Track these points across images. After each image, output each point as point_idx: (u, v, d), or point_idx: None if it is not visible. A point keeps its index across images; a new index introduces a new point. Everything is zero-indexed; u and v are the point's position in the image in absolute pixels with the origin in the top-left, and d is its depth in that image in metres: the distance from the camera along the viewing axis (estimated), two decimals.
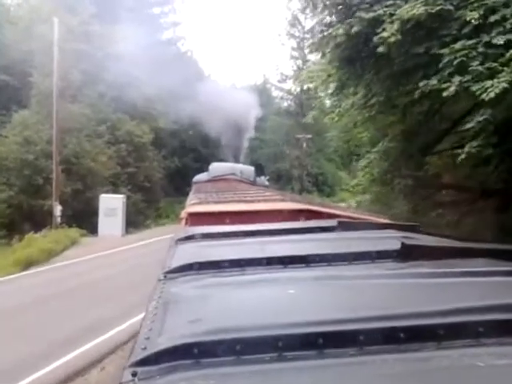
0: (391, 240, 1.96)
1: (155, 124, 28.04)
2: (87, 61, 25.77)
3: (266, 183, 18.47)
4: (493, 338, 1.05)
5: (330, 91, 16.72)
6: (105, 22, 27.21)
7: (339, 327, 1.07)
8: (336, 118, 15.45)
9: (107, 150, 23.56)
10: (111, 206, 18.74)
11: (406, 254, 1.73)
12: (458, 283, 1.41)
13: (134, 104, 27.51)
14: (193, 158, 34.28)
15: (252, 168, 16.96)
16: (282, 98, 52.48)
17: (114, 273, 12.39)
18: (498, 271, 1.53)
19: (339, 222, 2.62)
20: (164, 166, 29.51)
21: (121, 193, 23.48)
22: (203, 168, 33.45)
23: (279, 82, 51.69)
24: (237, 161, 39.38)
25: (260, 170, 27.32)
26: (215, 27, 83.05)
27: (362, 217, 4.84)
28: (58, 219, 18.35)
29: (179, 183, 34.27)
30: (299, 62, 52.20)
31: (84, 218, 19.77)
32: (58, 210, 18.23)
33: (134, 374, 0.93)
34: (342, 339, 1.03)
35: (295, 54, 51.96)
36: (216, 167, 15.51)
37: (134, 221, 25.38)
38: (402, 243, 1.76)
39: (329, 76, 13.92)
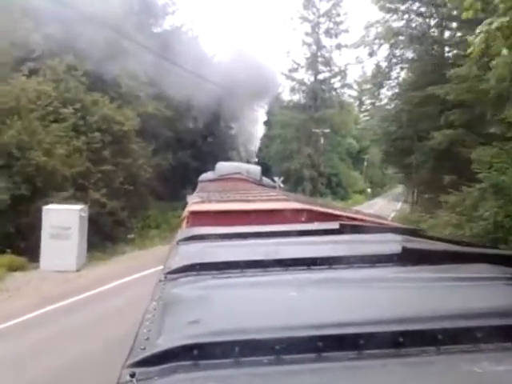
0: (392, 243, 1.93)
1: (143, 109, 21.36)
2: (54, 23, 19.29)
3: (272, 183, 16.85)
4: (491, 343, 1.02)
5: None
6: None
7: (339, 330, 1.04)
8: None
9: (74, 141, 16.90)
10: (61, 223, 11.92)
11: (407, 257, 1.69)
12: (458, 288, 1.39)
13: (115, 83, 20.90)
14: (191, 155, 27.61)
15: (258, 167, 15.81)
16: (292, 88, 45.75)
17: None
18: (498, 277, 1.49)
19: (341, 225, 2.54)
20: (154, 164, 22.80)
21: (91, 199, 16.85)
22: (203, 167, 27.11)
23: (290, 71, 44.99)
24: (248, 156, 33.16)
25: (266, 171, 22.05)
26: (221, 7, 74.69)
27: (364, 218, 4.66)
28: None
29: (174, 185, 27.65)
30: (313, 48, 45.72)
31: (29, 238, 13.17)
32: None
33: (133, 375, 0.90)
34: (342, 343, 1.00)
35: (308, 39, 45.47)
36: (222, 166, 14.30)
37: (109, 236, 18.77)
38: (403, 247, 1.73)
39: None
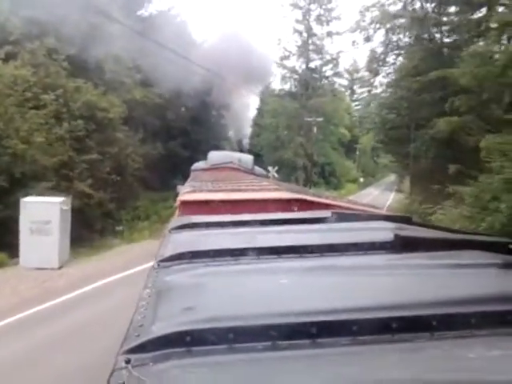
0: (385, 231, 1.91)
1: (129, 96, 20.31)
2: (33, 5, 18.13)
3: (264, 173, 16.21)
4: (485, 329, 1.03)
5: None
6: None
7: (332, 317, 1.04)
8: None
9: (56, 129, 15.87)
10: (41, 217, 10.89)
11: (400, 245, 1.69)
12: (451, 275, 1.40)
13: (99, 68, 19.80)
14: (181, 144, 26.63)
15: (251, 156, 15.58)
16: (284, 77, 44.71)
17: None
18: (490, 263, 1.50)
19: (333, 213, 2.52)
20: (143, 153, 21.81)
21: (76, 190, 15.89)
22: (194, 156, 26.21)
23: (281, 59, 43.90)
24: (239, 145, 32.24)
25: (257, 160, 21.37)
26: None
27: (355, 207, 4.67)
28: None
29: (164, 175, 26.70)
30: (304, 35, 44.63)
31: (9, 233, 12.20)
32: None
33: (128, 361, 0.91)
34: (335, 329, 1.01)
35: (299, 27, 44.35)
36: (214, 155, 14.11)
37: (96, 228, 17.87)
38: (396, 234, 1.73)
39: None
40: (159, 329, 1.01)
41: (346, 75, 60.34)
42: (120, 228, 19.47)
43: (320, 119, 36.10)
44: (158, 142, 23.43)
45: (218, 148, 30.67)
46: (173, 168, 26.71)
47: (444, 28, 17.84)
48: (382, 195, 49.38)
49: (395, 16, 18.32)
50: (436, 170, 18.65)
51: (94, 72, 19.50)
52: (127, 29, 20.66)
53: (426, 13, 16.47)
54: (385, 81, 21.99)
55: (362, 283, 1.34)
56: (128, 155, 19.14)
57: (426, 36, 18.60)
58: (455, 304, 1.11)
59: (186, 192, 5.50)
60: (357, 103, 68.98)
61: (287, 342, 0.97)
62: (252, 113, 32.11)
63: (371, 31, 20.20)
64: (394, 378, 0.87)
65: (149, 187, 25.06)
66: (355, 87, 70.76)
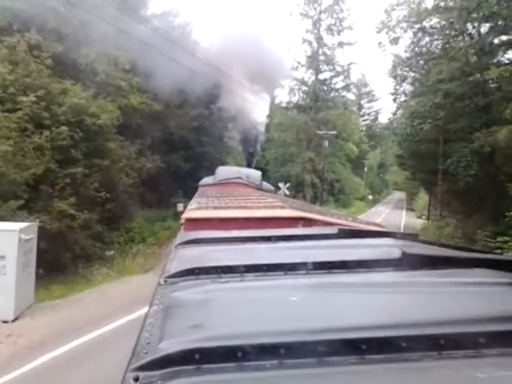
0: (391, 248, 1.90)
1: (125, 102, 17.70)
2: None
3: (272, 188, 15.56)
4: (493, 348, 1.01)
5: None
6: None
7: (340, 335, 1.02)
8: None
9: (36, 136, 13.19)
10: None
11: (407, 262, 1.65)
12: (459, 293, 1.37)
13: (91, 69, 17.22)
14: (183, 157, 23.93)
15: (259, 172, 15.18)
16: (292, 88, 42.32)
17: None
18: (498, 282, 1.46)
19: (339, 230, 2.50)
20: (140, 167, 19.10)
21: (55, 210, 13.14)
22: (196, 170, 23.54)
23: (289, 70, 41.55)
24: (249, 160, 29.58)
25: (263, 176, 19.00)
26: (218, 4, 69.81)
27: (360, 225, 4.67)
28: None
29: (164, 191, 23.97)
30: (314, 45, 42.36)
31: None
32: None
33: (136, 379, 0.90)
34: (343, 347, 0.99)
35: (309, 36, 42.12)
36: (222, 170, 13.91)
37: (81, 255, 15.05)
38: (403, 251, 1.69)
39: None
40: (167, 346, 0.99)
41: (354, 90, 58.13)
42: (110, 253, 16.62)
43: (333, 132, 33.42)
44: (156, 155, 20.70)
45: (222, 162, 28.24)
46: (173, 183, 23.98)
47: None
48: (394, 214, 46.52)
49: (435, 10, 15.81)
50: (479, 189, 15.80)
51: (84, 73, 16.90)
52: (125, 27, 18.18)
53: (479, 2, 14.08)
54: (410, 88, 19.40)
55: (369, 301, 1.29)
56: (121, 169, 16.39)
57: (471, 31, 16.10)
58: (463, 323, 1.08)
59: (191, 209, 5.44)
60: (365, 118, 66.74)
61: (295, 360, 0.95)
62: (262, 126, 29.37)
63: (399, 30, 17.79)
64: None
65: (146, 205, 22.29)
66: (362, 102, 68.66)
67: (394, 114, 19.79)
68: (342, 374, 0.94)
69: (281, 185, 24.73)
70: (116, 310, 8.33)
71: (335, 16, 40.73)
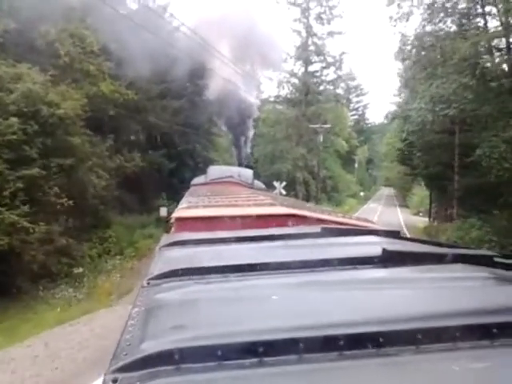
0: (373, 246, 1.91)
1: (95, 90, 14.82)
2: None
3: (264, 187, 14.17)
4: (469, 341, 1.03)
5: None
6: None
7: (319, 332, 1.02)
8: None
9: None
10: None
11: (387, 259, 1.68)
12: (437, 288, 1.39)
13: (52, 50, 14.27)
14: (165, 155, 21.07)
15: (250, 171, 13.98)
16: (281, 81, 39.60)
17: None
18: (475, 276, 1.50)
19: (323, 228, 2.55)
20: (116, 166, 16.23)
21: (2, 222, 10.28)
22: (180, 170, 20.83)
23: (277, 61, 38.83)
24: (238, 158, 26.84)
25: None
26: None
27: (349, 222, 4.80)
28: None
29: (145, 193, 21.10)
30: (303, 35, 39.74)
31: None
32: None
33: (115, 381, 0.89)
34: (322, 344, 1.00)
35: (298, 26, 39.47)
36: (214, 169, 13.07)
37: (43, 274, 12.22)
38: (384, 249, 1.70)
39: None
40: (147, 347, 0.98)
41: (342, 84, 55.80)
42: (79, 270, 13.74)
43: (328, 126, 30.87)
44: (135, 152, 17.82)
45: (209, 160, 25.56)
46: (156, 185, 21.12)
47: None
48: (388, 211, 44.36)
49: None
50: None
51: (43, 55, 13.95)
52: (93, 2, 15.26)
53: None
54: (422, 74, 16.90)
55: (348, 298, 1.30)
56: (90, 169, 13.51)
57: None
58: (440, 317, 1.09)
59: (182, 208, 5.39)
60: (353, 113, 64.55)
61: (275, 358, 0.96)
62: (252, 118, 26.69)
63: (408, 3, 15.33)
64: None
65: (125, 209, 19.42)
66: (351, 96, 66.44)
67: (406, 102, 17.23)
68: (321, 370, 0.94)
69: (276, 184, 22.13)
70: (64, 372, 5.54)
71: (325, 4, 38.18)
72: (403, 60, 18.00)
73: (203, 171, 23.80)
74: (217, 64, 19.39)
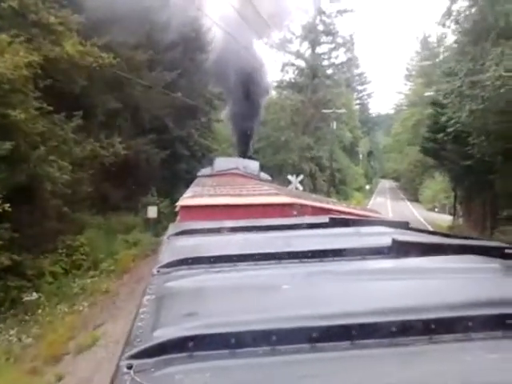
0: (382, 236, 1.88)
1: (56, 50, 10.78)
2: None
3: (269, 178, 13.70)
4: (482, 332, 1.01)
5: None
6: None
7: (332, 322, 1.01)
8: None
9: None
10: None
11: (397, 250, 1.65)
12: (448, 279, 1.36)
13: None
14: (155, 141, 17.01)
15: (257, 163, 14.23)
16: (285, 65, 35.51)
17: None
18: (485, 267, 1.46)
19: (331, 219, 2.47)
20: (86, 155, 12.22)
21: None
22: (174, 160, 17.20)
23: (282, 42, 34.67)
24: (244, 145, 22.84)
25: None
26: None
27: (354, 211, 4.60)
28: None
29: (131, 189, 17.10)
30: (311, 14, 35.57)
31: None
32: None
33: (130, 367, 0.89)
34: (335, 333, 0.99)
35: (305, 3, 35.39)
36: (220, 161, 13.00)
37: None
38: (393, 239, 1.67)
39: None
40: (161, 335, 0.97)
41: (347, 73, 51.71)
42: (32, 297, 9.77)
43: (342, 111, 26.89)
44: (116, 137, 13.77)
45: (208, 149, 21.71)
46: (143, 178, 17.12)
47: None
48: (398, 206, 40.65)
49: None
50: None
51: None
52: None
53: None
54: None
55: (360, 288, 1.29)
56: (43, 158, 9.46)
57: None
58: (453, 307, 1.08)
59: (187, 197, 5.36)
60: (357, 102, 60.50)
61: (287, 346, 0.95)
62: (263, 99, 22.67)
63: None
64: (394, 383, 0.87)
65: (108, 208, 15.45)
66: (354, 84, 62.38)
67: (464, 75, 13.33)
68: (333, 359, 0.92)
69: (292, 178, 18.26)
70: None
71: None
72: (456, 22, 14.13)
73: (199, 162, 20.05)
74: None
